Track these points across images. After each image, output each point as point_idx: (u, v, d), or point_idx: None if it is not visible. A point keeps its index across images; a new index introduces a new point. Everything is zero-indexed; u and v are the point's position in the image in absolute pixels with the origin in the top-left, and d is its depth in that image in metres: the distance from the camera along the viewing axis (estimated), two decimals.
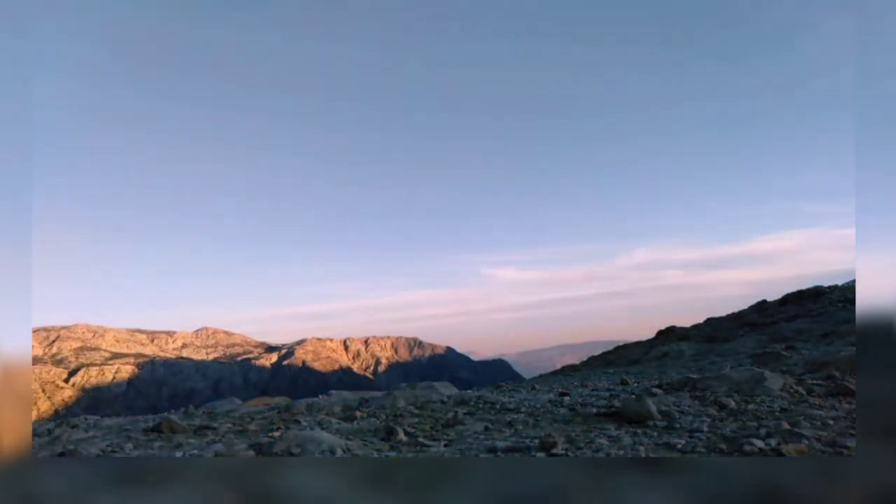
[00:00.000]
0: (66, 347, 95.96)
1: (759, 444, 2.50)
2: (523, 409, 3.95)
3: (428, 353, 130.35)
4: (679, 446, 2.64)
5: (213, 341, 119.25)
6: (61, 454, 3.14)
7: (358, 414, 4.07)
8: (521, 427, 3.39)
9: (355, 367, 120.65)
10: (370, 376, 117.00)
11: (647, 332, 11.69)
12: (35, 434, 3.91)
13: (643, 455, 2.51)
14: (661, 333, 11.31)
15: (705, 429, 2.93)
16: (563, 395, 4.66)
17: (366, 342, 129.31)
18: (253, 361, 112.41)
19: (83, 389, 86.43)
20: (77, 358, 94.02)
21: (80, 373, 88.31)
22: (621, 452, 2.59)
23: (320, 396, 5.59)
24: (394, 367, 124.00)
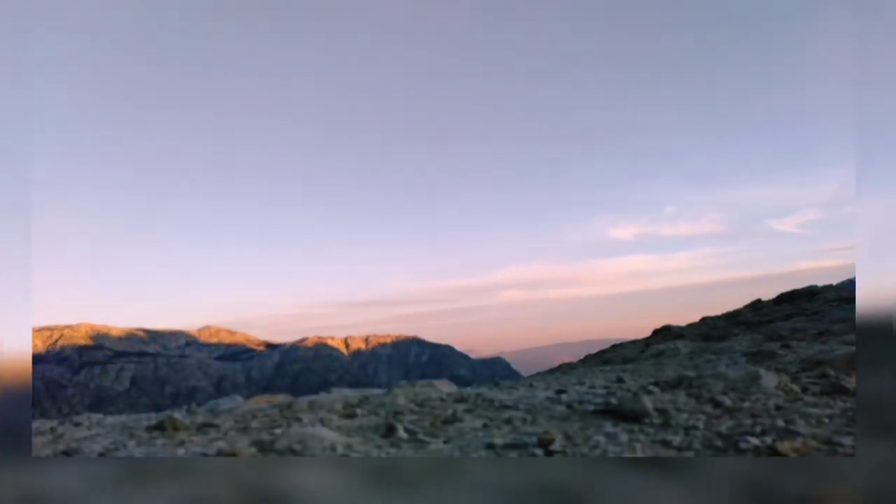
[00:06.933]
0: (70, 346, 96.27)
1: (755, 441, 2.53)
2: (521, 407, 3.98)
3: (427, 351, 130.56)
4: (675, 443, 2.67)
5: (215, 340, 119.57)
6: (64, 452, 3.18)
7: (358, 411, 4.10)
8: (519, 424, 3.41)
9: (356, 365, 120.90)
10: (370, 374, 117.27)
11: (638, 332, 11.77)
12: (38, 433, 3.94)
13: (640, 452, 2.54)
14: (656, 332, 11.35)
15: (701, 426, 2.96)
16: (560, 392, 4.68)
17: (366, 340, 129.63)
18: (255, 360, 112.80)
19: (86, 388, 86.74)
20: (80, 357, 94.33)
21: (84, 371, 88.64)
22: (618, 449, 2.61)
23: (321, 394, 5.63)
24: (394, 365, 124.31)
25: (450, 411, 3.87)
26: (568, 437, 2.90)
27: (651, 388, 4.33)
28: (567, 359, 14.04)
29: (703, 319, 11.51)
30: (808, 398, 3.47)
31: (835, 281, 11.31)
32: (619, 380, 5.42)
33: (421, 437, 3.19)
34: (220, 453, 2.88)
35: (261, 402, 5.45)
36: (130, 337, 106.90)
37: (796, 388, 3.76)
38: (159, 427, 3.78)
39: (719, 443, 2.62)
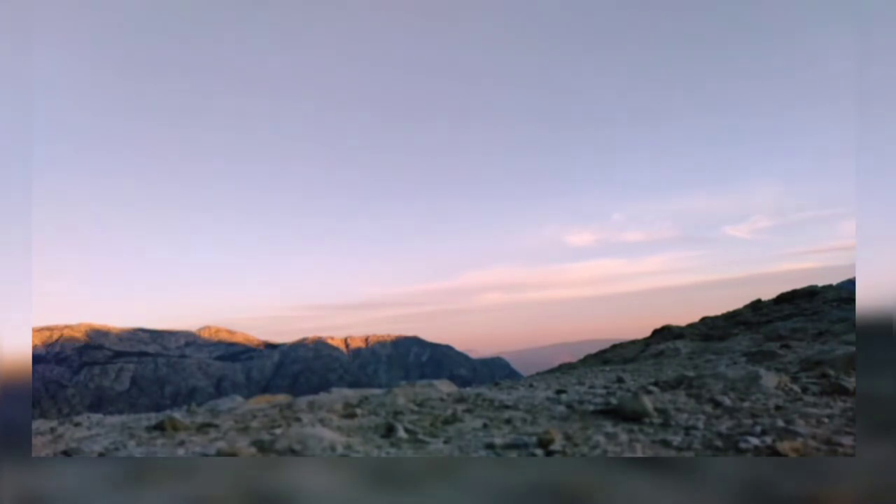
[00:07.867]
0: (70, 346, 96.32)
1: (755, 441, 2.53)
2: (521, 407, 3.98)
3: (427, 351, 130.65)
4: (675, 443, 2.67)
5: (215, 339, 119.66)
6: (64, 452, 3.18)
7: (358, 411, 4.10)
8: (519, 424, 3.41)
9: (356, 365, 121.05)
10: (370, 374, 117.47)
11: (638, 332, 11.82)
12: (38, 433, 3.94)
13: (640, 452, 2.54)
14: (656, 332, 11.36)
15: (701, 426, 2.96)
16: (560, 392, 4.68)
17: (366, 340, 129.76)
18: (255, 360, 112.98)
19: (86, 388, 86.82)
20: (80, 357, 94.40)
21: (84, 371, 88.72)
22: (618, 449, 2.61)
23: (321, 394, 5.63)
24: (394, 364, 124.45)
25: (450, 411, 3.87)
26: (568, 437, 2.90)
27: (651, 388, 4.33)
28: (567, 359, 14.04)
29: (703, 319, 11.51)
30: (808, 398, 3.47)
31: (834, 281, 11.34)
32: (619, 380, 5.43)
33: (421, 437, 3.19)
34: (220, 453, 2.88)
35: (261, 402, 5.46)
36: (130, 337, 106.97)
37: (796, 388, 3.77)
38: (159, 427, 3.79)
39: (719, 443, 2.61)
